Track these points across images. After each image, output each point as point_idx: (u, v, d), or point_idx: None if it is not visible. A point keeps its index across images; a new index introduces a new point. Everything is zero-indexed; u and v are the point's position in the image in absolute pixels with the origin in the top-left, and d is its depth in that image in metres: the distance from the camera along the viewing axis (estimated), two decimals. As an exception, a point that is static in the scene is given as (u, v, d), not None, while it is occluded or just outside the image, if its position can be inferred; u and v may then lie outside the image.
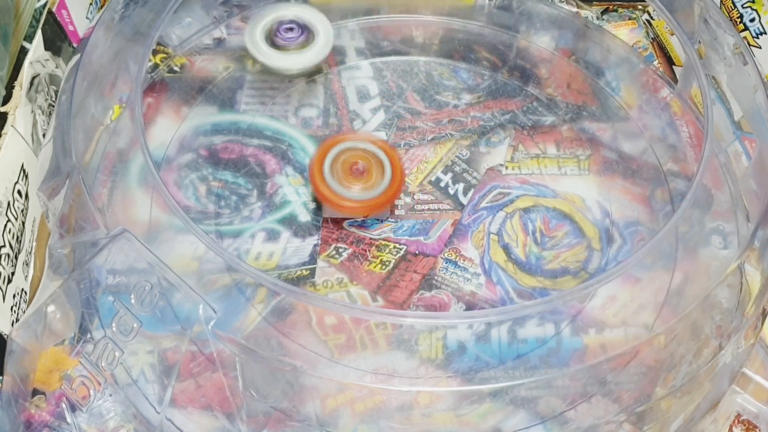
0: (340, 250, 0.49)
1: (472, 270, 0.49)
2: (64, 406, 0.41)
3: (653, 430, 0.41)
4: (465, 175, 0.53)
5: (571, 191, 0.52)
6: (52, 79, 0.51)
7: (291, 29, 0.54)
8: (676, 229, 0.44)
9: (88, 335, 0.43)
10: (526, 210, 0.51)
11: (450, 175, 0.53)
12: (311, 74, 0.56)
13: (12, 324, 0.44)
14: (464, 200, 0.52)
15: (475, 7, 0.61)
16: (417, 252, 0.50)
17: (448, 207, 0.52)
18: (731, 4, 0.55)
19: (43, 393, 0.42)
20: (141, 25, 0.49)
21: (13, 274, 0.45)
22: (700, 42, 0.51)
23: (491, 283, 0.48)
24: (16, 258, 0.46)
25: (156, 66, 0.56)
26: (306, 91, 0.57)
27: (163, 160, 0.52)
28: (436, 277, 0.49)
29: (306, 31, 0.54)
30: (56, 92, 0.52)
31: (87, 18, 0.56)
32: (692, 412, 0.41)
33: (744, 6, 0.54)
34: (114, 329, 0.39)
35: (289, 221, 0.50)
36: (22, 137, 0.47)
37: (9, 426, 0.40)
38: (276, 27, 0.54)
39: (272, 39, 0.53)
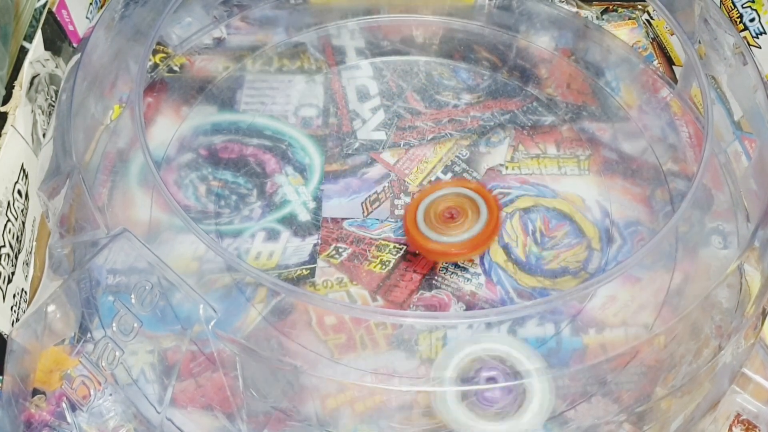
0: (340, 250, 0.49)
1: (472, 270, 0.49)
2: (64, 405, 0.41)
3: (653, 430, 0.41)
4: (465, 175, 0.53)
5: (571, 191, 0.52)
6: (52, 79, 0.51)
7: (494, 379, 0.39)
8: (676, 229, 0.44)
9: (89, 335, 0.43)
10: (526, 210, 0.51)
11: (450, 175, 0.53)
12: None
13: (12, 324, 0.44)
14: (464, 200, 0.52)
15: (475, 7, 0.61)
16: (417, 252, 0.49)
17: (448, 207, 0.52)
18: (731, 4, 0.55)
19: (44, 393, 0.42)
20: (141, 25, 0.49)
21: (13, 273, 0.45)
22: (700, 42, 0.51)
23: (491, 283, 0.48)
24: (16, 258, 0.46)
25: (156, 66, 0.56)
26: (306, 90, 0.57)
27: (163, 160, 0.52)
28: (436, 277, 0.48)
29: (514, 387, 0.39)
30: (56, 92, 0.52)
31: (87, 18, 0.56)
32: (692, 412, 0.41)
33: (744, 6, 0.54)
34: (114, 329, 0.39)
35: (289, 221, 0.50)
36: (22, 137, 0.47)
37: (9, 426, 0.40)
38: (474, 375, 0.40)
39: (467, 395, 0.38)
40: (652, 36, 0.61)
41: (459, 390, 0.39)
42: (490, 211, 0.48)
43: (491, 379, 0.39)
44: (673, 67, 0.59)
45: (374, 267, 0.49)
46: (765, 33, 0.53)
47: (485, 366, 0.40)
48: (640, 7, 0.63)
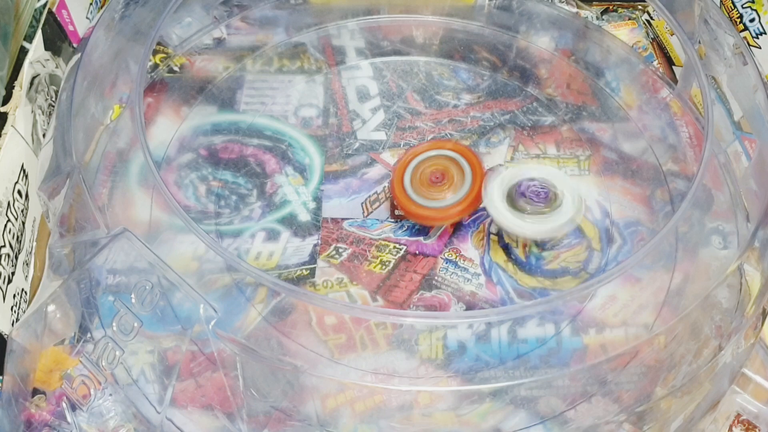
0: (340, 250, 0.49)
1: (472, 270, 0.49)
2: (64, 405, 0.41)
3: (653, 430, 0.41)
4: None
5: (571, 191, 0.52)
6: (52, 79, 0.51)
7: (537, 193, 0.49)
8: (676, 229, 0.44)
9: (89, 335, 0.43)
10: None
11: (450, 175, 0.53)
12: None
13: (12, 324, 0.44)
14: (464, 200, 0.52)
15: (475, 7, 0.61)
16: (417, 252, 0.50)
17: (448, 207, 0.52)
18: (731, 4, 0.55)
19: (44, 392, 0.42)
20: (141, 25, 0.49)
21: (13, 274, 0.45)
22: (700, 42, 0.51)
23: (491, 283, 0.48)
24: (17, 258, 0.46)
25: (156, 66, 0.56)
26: (306, 91, 0.57)
27: (163, 160, 0.52)
28: (436, 278, 0.49)
29: (550, 194, 0.49)
30: (56, 92, 0.52)
31: (87, 18, 0.56)
32: (692, 412, 0.41)
33: (744, 6, 0.54)
34: (114, 329, 0.39)
35: (289, 221, 0.50)
36: (22, 137, 0.47)
37: (9, 425, 0.40)
38: (519, 187, 0.49)
39: (513, 198, 0.49)
40: (652, 36, 0.61)
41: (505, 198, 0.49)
42: (473, 171, 0.50)
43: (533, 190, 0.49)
44: (673, 67, 0.59)
45: (374, 267, 0.49)
46: (765, 33, 0.53)
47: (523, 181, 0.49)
48: (640, 7, 0.63)
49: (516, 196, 0.49)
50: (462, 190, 0.49)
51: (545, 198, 0.49)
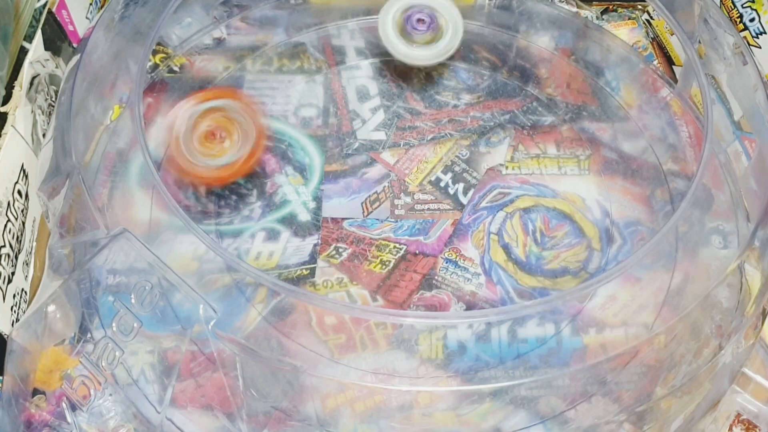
0: (340, 250, 0.49)
1: (472, 270, 0.49)
2: (64, 405, 0.41)
3: (653, 430, 0.41)
4: (465, 175, 0.53)
5: (571, 191, 0.52)
6: (52, 79, 0.51)
7: (422, 21, 0.54)
8: (676, 228, 0.44)
9: (89, 335, 0.43)
10: (526, 210, 0.51)
11: (450, 175, 0.53)
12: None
13: (12, 324, 0.44)
14: (464, 200, 0.52)
15: (475, 7, 0.61)
16: (417, 252, 0.50)
17: (448, 207, 0.52)
18: (731, 4, 0.55)
19: (44, 393, 0.42)
20: (141, 25, 0.49)
21: (13, 274, 0.45)
22: (700, 42, 0.51)
23: (491, 283, 0.48)
24: (16, 258, 0.46)
25: (156, 66, 0.56)
26: (306, 90, 0.57)
27: (163, 160, 0.52)
28: (436, 277, 0.48)
29: (435, 23, 0.54)
30: (56, 92, 0.52)
31: (87, 18, 0.56)
32: (692, 411, 0.41)
33: (744, 6, 0.54)
34: (114, 329, 0.39)
35: (289, 221, 0.50)
36: (22, 137, 0.47)
37: (9, 426, 0.40)
38: (407, 17, 0.54)
39: (403, 29, 0.54)
40: (652, 36, 0.61)
41: (396, 24, 0.54)
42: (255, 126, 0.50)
43: (420, 20, 0.54)
44: (673, 67, 0.59)
45: (374, 267, 0.49)
46: (765, 33, 0.53)
47: (414, 11, 0.55)
48: (640, 7, 0.63)
49: (406, 27, 0.54)
50: (241, 149, 0.49)
51: (430, 26, 0.54)
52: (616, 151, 0.54)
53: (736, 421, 0.43)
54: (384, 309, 0.47)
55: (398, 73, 0.58)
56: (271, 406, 0.40)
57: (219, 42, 0.59)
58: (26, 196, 0.47)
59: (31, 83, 0.49)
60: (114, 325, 0.39)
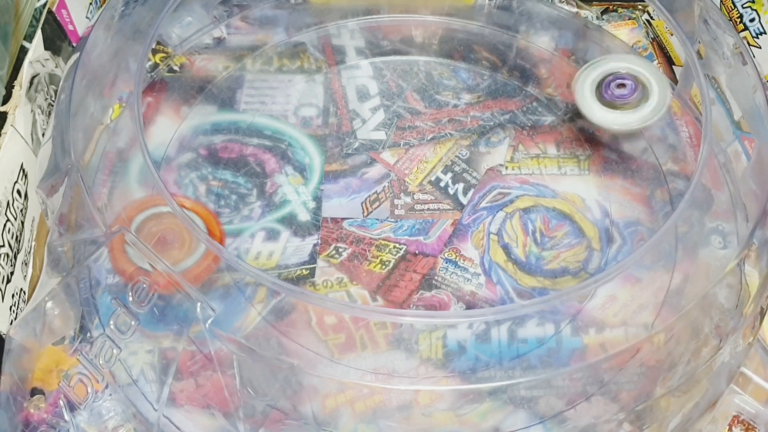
0: (340, 250, 0.49)
1: (472, 270, 0.49)
2: (62, 404, 0.41)
3: (652, 430, 0.41)
4: (465, 175, 0.53)
5: (571, 191, 0.52)
6: (52, 78, 0.51)
7: (623, 85, 0.52)
8: (675, 228, 0.44)
9: (88, 334, 0.43)
10: (526, 210, 0.51)
11: (450, 175, 0.53)
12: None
13: (11, 324, 0.44)
14: (464, 200, 0.52)
15: (475, 7, 0.61)
16: (417, 252, 0.49)
17: (448, 207, 0.52)
18: (731, 4, 0.55)
19: (42, 392, 0.42)
20: (141, 24, 0.49)
21: (12, 273, 0.45)
22: (700, 42, 0.51)
23: (491, 283, 0.48)
24: (15, 258, 0.46)
25: (156, 65, 0.56)
26: (306, 90, 0.57)
27: (163, 160, 0.52)
28: (436, 277, 0.48)
29: (639, 87, 0.52)
30: (56, 92, 0.52)
31: (87, 17, 0.56)
32: (690, 411, 0.41)
33: (744, 6, 0.54)
34: (112, 327, 0.39)
35: (289, 220, 0.50)
36: (22, 137, 0.47)
37: (8, 425, 0.40)
38: (607, 81, 0.52)
39: (601, 93, 0.52)
40: (652, 36, 0.61)
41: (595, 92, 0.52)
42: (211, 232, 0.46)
43: (621, 85, 0.52)
44: (673, 67, 0.59)
45: (374, 267, 0.49)
46: (765, 33, 0.53)
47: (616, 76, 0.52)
48: (640, 7, 0.63)
49: (604, 92, 0.51)
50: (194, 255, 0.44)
51: (633, 90, 0.51)
52: (616, 151, 0.54)
53: (735, 421, 0.42)
54: (384, 309, 0.47)
55: (398, 73, 0.58)
56: (269, 405, 0.40)
57: (219, 41, 0.59)
58: (25, 195, 0.47)
59: (31, 83, 0.49)
60: (112, 323, 0.39)
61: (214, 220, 0.47)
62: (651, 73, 0.52)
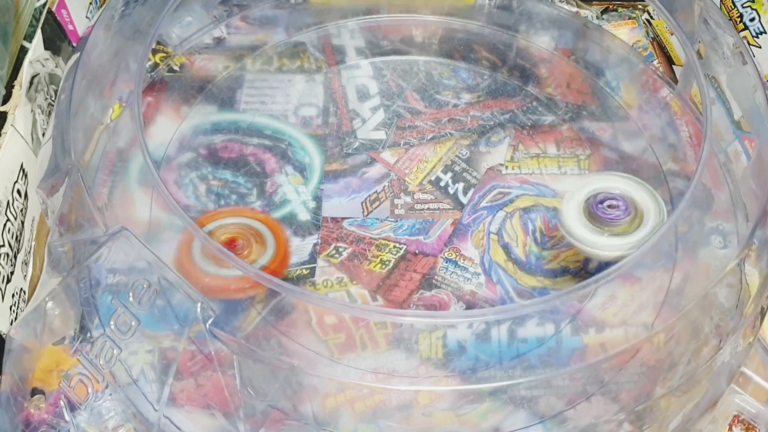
0: (340, 250, 0.49)
1: (472, 270, 0.49)
2: (62, 404, 0.41)
3: (652, 430, 0.41)
4: (465, 174, 0.53)
5: (571, 191, 0.52)
6: (52, 78, 0.51)
7: (615, 207, 0.46)
8: (675, 228, 0.44)
9: (88, 334, 0.43)
10: (526, 210, 0.51)
11: (450, 174, 0.53)
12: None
13: (11, 324, 0.44)
14: (464, 200, 0.52)
15: (475, 7, 0.61)
16: (417, 251, 0.49)
17: (448, 206, 0.52)
18: (731, 4, 0.55)
19: (43, 392, 0.42)
20: (141, 24, 0.49)
21: (12, 273, 0.45)
22: (700, 42, 0.51)
23: (491, 283, 0.48)
24: (15, 257, 0.46)
25: (156, 65, 0.56)
26: (306, 90, 0.57)
27: (163, 160, 0.52)
28: (436, 277, 0.48)
29: (630, 209, 0.46)
30: (56, 92, 0.52)
31: (87, 17, 0.56)
32: (691, 411, 0.41)
33: (744, 6, 0.54)
34: (112, 327, 0.39)
35: (289, 220, 0.50)
36: (22, 137, 0.47)
37: (8, 425, 0.40)
38: (597, 201, 0.46)
39: (590, 212, 0.46)
40: (652, 36, 0.61)
41: (583, 212, 0.46)
42: (277, 242, 0.48)
43: (612, 206, 0.46)
44: (673, 66, 0.59)
45: (374, 266, 0.49)
46: (765, 33, 0.53)
47: (607, 196, 0.47)
48: (640, 7, 0.63)
49: (594, 210, 0.46)
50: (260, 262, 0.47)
51: (625, 212, 0.46)
52: (616, 150, 0.54)
53: (736, 421, 0.42)
54: (384, 308, 0.47)
55: (398, 73, 0.58)
56: (270, 405, 0.40)
57: (219, 41, 0.59)
58: (25, 195, 0.47)
59: (31, 83, 0.49)
60: (112, 323, 0.39)
61: (278, 227, 0.48)
62: (646, 198, 0.47)
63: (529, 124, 0.56)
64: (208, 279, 0.44)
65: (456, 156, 0.54)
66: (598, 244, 0.45)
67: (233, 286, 0.45)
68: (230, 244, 0.47)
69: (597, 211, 0.46)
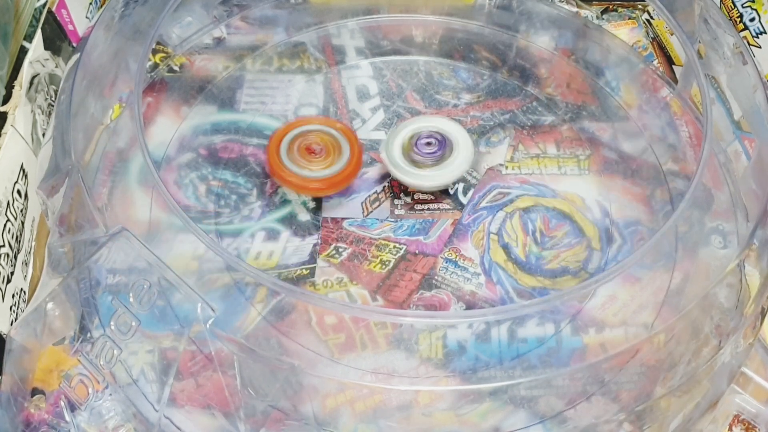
0: (340, 250, 0.49)
1: (472, 270, 0.49)
2: (62, 405, 0.41)
3: (652, 430, 0.41)
4: (465, 174, 0.53)
5: (571, 191, 0.52)
6: (52, 78, 0.51)
7: (429, 143, 0.51)
8: (675, 228, 0.44)
9: (88, 334, 0.43)
10: (526, 210, 0.51)
11: (450, 174, 0.53)
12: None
13: (11, 324, 0.44)
14: (464, 200, 0.52)
15: (475, 7, 0.61)
16: (417, 252, 0.50)
17: (448, 207, 0.52)
18: (731, 4, 0.55)
19: (43, 392, 0.42)
20: (141, 24, 0.49)
21: (12, 273, 0.45)
22: (700, 42, 0.51)
23: (491, 283, 0.48)
24: (16, 258, 0.46)
25: (156, 65, 0.56)
26: (306, 90, 0.57)
27: (163, 160, 0.52)
28: (436, 277, 0.48)
29: (444, 144, 0.51)
30: (56, 92, 0.52)
31: (87, 18, 0.56)
32: (691, 411, 0.41)
33: (744, 6, 0.54)
34: (113, 327, 0.39)
35: (289, 220, 0.50)
36: (22, 137, 0.47)
37: (8, 425, 0.40)
38: (414, 141, 0.51)
39: (410, 154, 0.51)
40: (652, 36, 0.61)
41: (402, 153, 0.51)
42: (352, 151, 0.51)
43: (428, 143, 0.51)
44: (673, 67, 0.59)
45: (374, 267, 0.49)
46: (765, 33, 0.53)
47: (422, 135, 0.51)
48: (640, 7, 0.63)
49: (412, 152, 0.51)
50: (335, 167, 0.50)
51: (440, 148, 0.51)
52: (616, 151, 0.54)
53: (736, 421, 0.43)
54: (384, 308, 0.47)
55: (398, 73, 0.58)
56: (270, 405, 0.40)
57: (219, 41, 0.59)
58: (26, 195, 0.48)
59: (31, 83, 0.49)
60: (112, 323, 0.39)
61: (353, 135, 0.52)
62: (457, 133, 0.52)
63: (529, 124, 0.56)
64: (292, 177, 0.50)
65: (456, 156, 0.54)
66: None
67: (311, 186, 0.50)
68: (310, 150, 0.50)
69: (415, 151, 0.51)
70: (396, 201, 0.52)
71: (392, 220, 0.51)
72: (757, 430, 0.42)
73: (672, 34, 0.60)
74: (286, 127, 0.52)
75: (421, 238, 0.50)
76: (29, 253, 0.48)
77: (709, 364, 0.40)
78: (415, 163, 0.50)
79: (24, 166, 0.47)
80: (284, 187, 0.51)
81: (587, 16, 0.61)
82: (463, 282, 0.48)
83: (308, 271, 0.49)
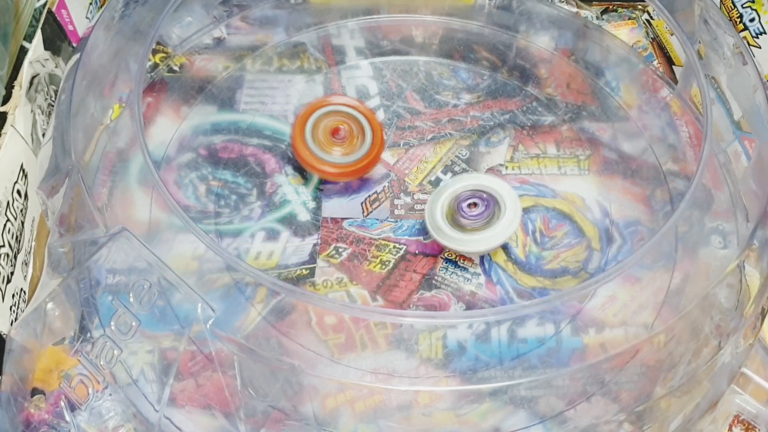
0: (340, 250, 0.49)
1: (472, 270, 0.49)
2: (62, 405, 0.41)
3: (652, 430, 0.41)
4: (465, 175, 0.53)
5: (571, 191, 0.52)
6: (52, 78, 0.51)
7: (474, 205, 0.48)
8: (675, 228, 0.44)
9: (88, 334, 0.43)
10: (526, 210, 0.51)
11: (450, 174, 0.53)
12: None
13: (11, 324, 0.44)
14: (464, 200, 0.52)
15: (475, 7, 0.61)
16: (417, 252, 0.50)
17: (448, 207, 0.52)
18: (731, 4, 0.55)
19: (43, 392, 0.42)
20: (141, 25, 0.49)
21: (12, 273, 0.45)
22: (700, 42, 0.51)
23: (491, 283, 0.48)
24: (15, 258, 0.46)
25: (156, 65, 0.56)
26: (306, 90, 0.57)
27: (163, 160, 0.52)
28: (435, 277, 0.48)
29: (491, 204, 0.48)
30: (56, 92, 0.52)
31: (87, 18, 0.56)
32: (691, 411, 0.41)
33: (744, 6, 0.54)
34: (113, 328, 0.39)
35: (289, 220, 0.50)
36: (22, 137, 0.47)
37: (8, 425, 0.40)
38: (457, 204, 0.48)
39: (454, 218, 0.48)
40: (652, 36, 0.61)
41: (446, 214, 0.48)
42: (374, 134, 0.51)
43: (473, 204, 0.48)
44: (673, 67, 0.59)
45: (374, 267, 0.49)
46: (765, 33, 0.53)
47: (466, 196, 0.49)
48: (640, 7, 0.63)
49: (456, 216, 0.48)
50: (358, 152, 0.51)
51: (485, 211, 0.48)
52: (616, 151, 0.54)
53: (736, 421, 0.43)
54: (384, 309, 0.47)
55: (398, 73, 0.58)
56: (270, 406, 0.40)
57: (219, 42, 0.59)
58: (25, 195, 0.48)
59: (31, 83, 0.49)
60: (112, 324, 0.39)
61: (374, 118, 0.52)
62: (501, 188, 0.49)
63: (529, 124, 0.56)
64: (314, 160, 0.50)
65: (456, 156, 0.54)
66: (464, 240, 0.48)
67: (330, 170, 0.51)
68: (335, 132, 0.51)
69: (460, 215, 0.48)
70: (396, 201, 0.52)
71: (392, 220, 0.51)
72: (757, 430, 0.42)
73: (672, 35, 0.60)
74: (312, 105, 0.52)
75: (421, 238, 0.50)
76: (29, 253, 0.48)
77: (709, 365, 0.40)
78: (461, 227, 0.48)
79: (24, 166, 0.47)
80: (305, 167, 0.51)
81: (587, 17, 0.61)
82: (463, 282, 0.48)
83: (308, 271, 0.49)
